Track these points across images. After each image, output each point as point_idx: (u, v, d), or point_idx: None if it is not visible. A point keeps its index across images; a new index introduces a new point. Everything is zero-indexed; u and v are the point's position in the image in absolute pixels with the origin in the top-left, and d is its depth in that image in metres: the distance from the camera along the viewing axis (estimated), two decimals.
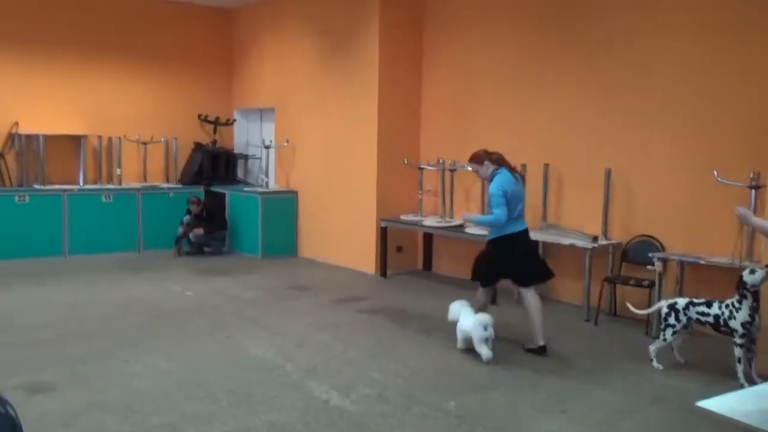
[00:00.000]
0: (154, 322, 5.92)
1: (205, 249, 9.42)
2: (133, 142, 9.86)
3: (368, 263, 8.31)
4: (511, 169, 5.27)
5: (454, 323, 5.25)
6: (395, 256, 8.30)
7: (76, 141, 9.47)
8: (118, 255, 9.06)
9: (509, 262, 5.24)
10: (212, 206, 9.59)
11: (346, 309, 6.56)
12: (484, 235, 6.70)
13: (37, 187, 8.96)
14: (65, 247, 8.90)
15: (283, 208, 9.43)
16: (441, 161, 7.87)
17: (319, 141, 9.08)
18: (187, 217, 9.26)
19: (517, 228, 5.21)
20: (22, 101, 9.04)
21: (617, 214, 6.43)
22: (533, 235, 5.83)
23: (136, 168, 9.96)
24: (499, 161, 5.28)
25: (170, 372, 4.63)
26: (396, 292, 7.33)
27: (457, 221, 7.63)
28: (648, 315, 5.52)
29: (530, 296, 5.20)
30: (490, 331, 4.96)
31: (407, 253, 8.54)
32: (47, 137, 9.16)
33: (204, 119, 10.54)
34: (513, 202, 5.12)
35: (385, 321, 6.12)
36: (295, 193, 9.52)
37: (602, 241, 6.28)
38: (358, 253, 8.47)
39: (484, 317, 5.01)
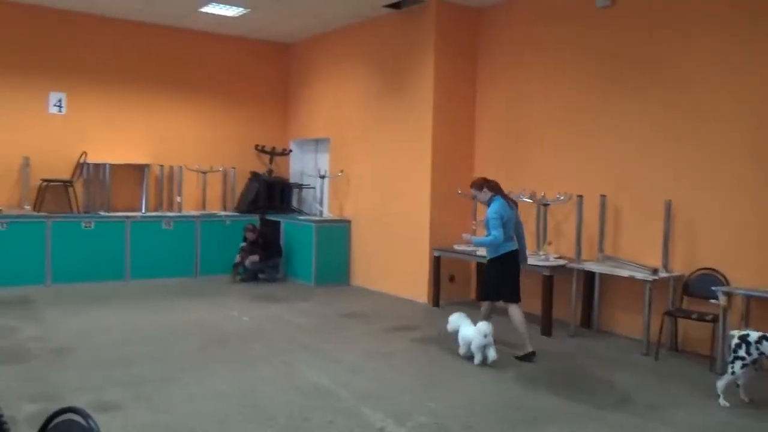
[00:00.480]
0: (213, 345, 6.05)
1: (260, 276, 9.59)
2: (193, 171, 10.18)
3: (420, 292, 8.32)
4: (505, 197, 5.97)
5: (469, 339, 5.70)
6: (448, 285, 8.29)
7: (139, 170, 9.84)
8: (176, 280, 9.30)
9: (506, 277, 5.89)
10: (267, 234, 9.78)
11: (400, 338, 6.57)
12: (540, 266, 6.71)
13: (102, 213, 9.32)
14: (127, 271, 9.19)
15: (337, 236, 9.56)
16: None
17: (372, 171, 9.20)
18: (243, 244, 9.46)
19: (511, 247, 5.89)
20: (90, 132, 9.47)
21: (678, 245, 6.30)
22: (590, 266, 6.20)
23: (196, 196, 10.27)
24: (496, 189, 5.98)
25: (230, 394, 4.71)
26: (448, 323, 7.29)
27: None
28: (714, 352, 5.36)
29: (516, 310, 5.86)
30: (489, 339, 5.53)
31: (460, 283, 8.52)
32: (113, 166, 9.55)
33: (261, 149, 10.82)
34: (507, 225, 5.78)
35: (439, 351, 6.10)
36: (349, 222, 9.64)
37: (662, 274, 6.15)
38: (411, 282, 8.49)
39: (484, 326, 5.57)
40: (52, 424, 1.86)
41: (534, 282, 7.19)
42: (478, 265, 8.34)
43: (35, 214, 8.78)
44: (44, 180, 8.99)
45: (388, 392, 4.87)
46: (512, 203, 5.97)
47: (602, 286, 6.91)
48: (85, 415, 1.78)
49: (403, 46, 8.64)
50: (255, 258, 9.38)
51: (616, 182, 6.83)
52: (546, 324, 6.77)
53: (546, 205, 7.23)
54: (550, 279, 6.76)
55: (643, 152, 6.61)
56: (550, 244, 7.20)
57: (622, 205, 6.80)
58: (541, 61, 7.64)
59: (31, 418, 4.01)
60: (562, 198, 7.12)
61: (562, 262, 6.93)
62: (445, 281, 8.24)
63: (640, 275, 6.15)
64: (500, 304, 6.02)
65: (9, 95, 8.95)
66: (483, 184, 6.00)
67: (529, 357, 5.76)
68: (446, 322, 5.99)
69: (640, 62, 6.63)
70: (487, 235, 5.81)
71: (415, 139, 8.41)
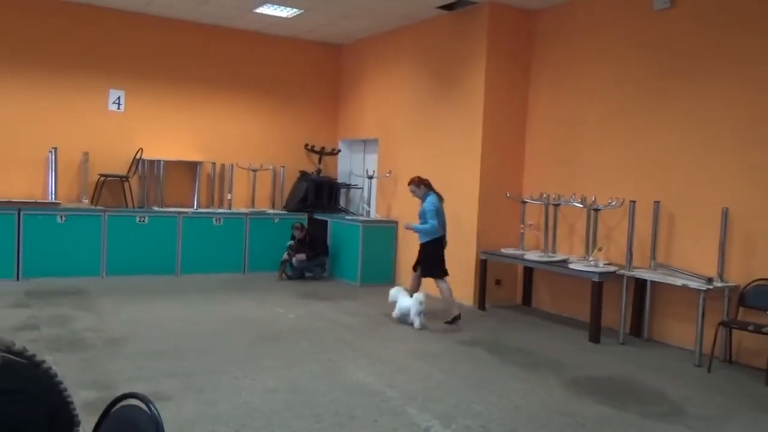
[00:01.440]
0: (260, 341, 6.15)
1: (307, 274, 9.69)
2: (243, 169, 10.36)
3: (467, 295, 8.28)
4: (436, 192, 7.30)
5: (397, 303, 7.16)
6: (494, 289, 8.24)
7: (192, 167, 10.07)
8: (225, 276, 9.47)
9: (438, 258, 7.23)
10: (315, 233, 9.88)
11: (445, 339, 6.56)
12: (589, 272, 6.61)
13: (155, 209, 9.57)
14: (177, 266, 9.40)
15: (383, 237, 9.59)
16: (545, 195, 7.78)
17: (421, 172, 9.11)
18: (291, 243, 9.58)
19: (441, 233, 7.27)
20: (146, 130, 9.74)
21: (734, 255, 6.12)
22: (641, 274, 6.25)
23: (245, 194, 10.45)
24: (429, 186, 7.34)
25: (277, 390, 4.78)
26: (495, 325, 7.26)
27: (560, 257, 7.50)
28: None
29: (444, 284, 7.21)
30: (425, 306, 6.87)
31: (506, 287, 8.45)
32: (167, 163, 9.80)
33: (310, 149, 10.94)
34: (438, 215, 7.17)
35: (484, 353, 6.07)
36: (396, 222, 9.66)
37: (717, 283, 5.98)
38: (457, 284, 8.40)
39: (421, 295, 6.93)
40: (114, 408, 1.92)
41: (583, 288, 7.09)
42: (525, 269, 8.27)
43: (92, 207, 9.07)
44: (102, 175, 9.27)
45: (434, 393, 4.87)
46: (440, 197, 7.31)
47: (653, 294, 6.76)
48: (146, 401, 1.83)
49: (454, 48, 8.62)
50: (302, 256, 9.49)
51: (671, 188, 6.67)
52: (594, 331, 6.66)
53: (597, 210, 7.12)
54: (599, 285, 6.65)
55: (700, 157, 6.44)
56: (600, 250, 7.09)
57: (677, 212, 6.64)
58: (597, 63, 7.52)
59: (87, 405, 4.14)
60: (613, 203, 6.99)
61: (612, 268, 6.81)
62: (491, 284, 8.18)
63: (694, 284, 5.99)
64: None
65: (71, 93, 9.27)
66: (420, 182, 7.36)
67: (455, 320, 7.07)
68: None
69: (699, 63, 6.46)
70: (423, 223, 7.16)
71: (465, 141, 8.38)
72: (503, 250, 8.03)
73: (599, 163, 7.44)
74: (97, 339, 5.91)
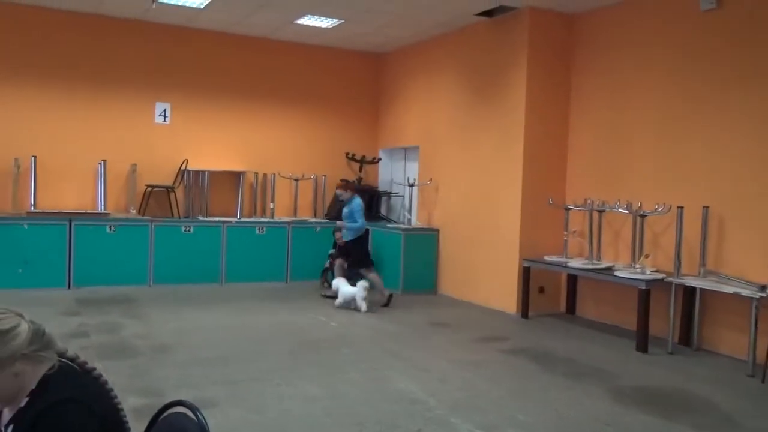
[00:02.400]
0: (302, 349, 6.19)
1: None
2: (285, 178, 10.48)
3: (509, 303, 8.20)
4: (360, 195, 8.56)
5: (341, 293, 8.15)
6: (537, 297, 8.14)
7: (235, 177, 10.23)
8: (268, 284, 9.58)
9: (365, 252, 8.64)
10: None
11: (488, 348, 6.50)
12: (636, 279, 6.49)
13: (200, 218, 9.75)
14: (222, 274, 9.56)
15: (425, 245, 9.57)
16: (588, 202, 7.67)
17: (462, 179, 9.17)
18: (332, 251, 9.62)
19: (364, 231, 8.57)
20: (191, 141, 9.94)
21: None
22: (690, 281, 6.10)
23: (287, 203, 10.56)
24: (354, 189, 8.62)
25: (319, 398, 4.81)
26: (538, 334, 7.17)
27: (605, 264, 7.37)
28: None
29: (373, 273, 8.47)
30: (367, 292, 7.92)
31: (550, 295, 8.34)
32: (211, 173, 9.98)
33: (351, 158, 11.01)
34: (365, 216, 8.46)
35: (528, 363, 5.99)
36: (437, 230, 9.64)
37: None
38: (499, 292, 8.39)
39: (365, 282, 8.00)
40: (163, 415, 1.96)
41: (629, 296, 6.95)
42: (569, 277, 8.15)
43: (140, 218, 9.29)
44: (149, 185, 9.50)
45: (477, 402, 4.83)
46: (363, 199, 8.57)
47: (703, 302, 6.58)
48: (194, 409, 1.87)
49: (494, 54, 8.58)
50: (342, 262, 9.50)
51: (721, 193, 6.49)
52: (641, 340, 6.52)
53: (643, 216, 6.97)
54: (646, 293, 6.51)
55: (750, 161, 6.26)
56: (647, 256, 6.94)
57: (727, 217, 6.46)
58: (641, 66, 7.39)
59: (136, 411, 4.23)
60: (660, 209, 6.84)
61: (659, 275, 6.66)
62: (535, 292, 8.08)
63: (746, 292, 5.81)
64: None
65: (120, 106, 9.53)
66: (347, 186, 8.56)
67: (389, 300, 8.34)
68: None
69: (750, 65, 6.29)
70: (353, 222, 8.32)
71: (506, 148, 8.33)
72: (546, 258, 7.93)
73: (645, 169, 7.30)
74: (145, 346, 6.04)
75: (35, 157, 8.85)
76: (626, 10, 7.58)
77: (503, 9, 8.12)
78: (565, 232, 7.94)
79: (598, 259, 7.54)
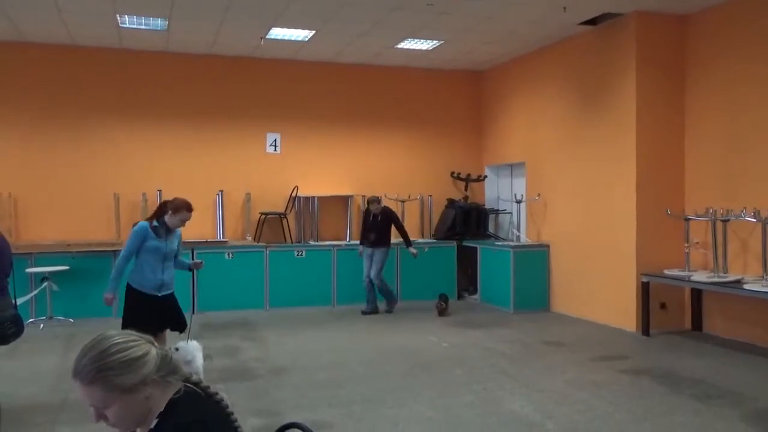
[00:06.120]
0: (415, 370, 6.19)
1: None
2: (392, 200, 10.61)
3: (628, 320, 7.83)
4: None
5: None
6: (658, 313, 7.73)
7: (344, 201, 10.48)
8: (378, 305, 9.66)
9: None
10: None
11: (607, 368, 6.23)
12: (766, 292, 6.03)
13: (312, 243, 10.04)
14: (333, 297, 9.77)
15: (535, 261, 9.36)
16: (711, 211, 7.22)
17: (571, 193, 8.91)
18: None
19: None
20: (301, 169, 10.31)
21: None
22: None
23: None
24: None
25: (433, 420, 4.78)
26: (661, 353, 6.79)
27: (733, 276, 6.89)
28: None
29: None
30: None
31: (672, 311, 7.89)
32: (320, 198, 10.28)
33: (456, 176, 10.99)
34: None
35: (651, 383, 5.68)
36: (548, 246, 9.40)
37: None
38: (616, 309, 8.04)
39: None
40: None
41: (762, 310, 6.47)
42: (693, 291, 7.69)
43: (255, 244, 9.70)
44: (262, 213, 9.91)
45: (596, 426, 4.63)
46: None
47: None
48: (307, 431, 1.92)
49: (601, 63, 8.32)
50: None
51: None
52: None
53: None
54: None
55: None
56: None
57: None
58: (761, 64, 6.91)
59: (255, 431, 4.39)
60: None
61: None
62: (655, 308, 7.68)
63: None
64: None
65: (233, 138, 10.06)
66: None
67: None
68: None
69: None
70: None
71: (617, 158, 8.02)
72: (666, 272, 7.53)
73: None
74: (263, 369, 6.26)
75: (160, 191, 9.47)
76: (741, 7, 7.14)
77: (608, 15, 7.88)
78: (686, 244, 7.50)
79: (725, 272, 7.07)
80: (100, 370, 1.59)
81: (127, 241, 5.26)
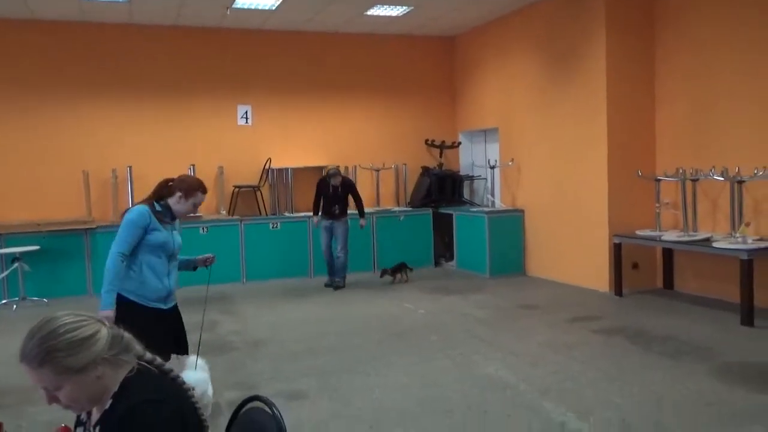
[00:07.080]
0: (391, 338, 6.23)
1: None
2: (366, 169, 10.56)
3: (601, 281, 7.94)
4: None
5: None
6: (630, 273, 7.83)
7: (318, 172, 10.38)
8: (355, 275, 9.61)
9: None
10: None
11: (581, 329, 6.32)
12: (737, 249, 6.13)
13: (287, 214, 9.99)
14: (311, 268, 9.77)
15: (510, 226, 9.41)
16: (681, 171, 7.29)
17: (544, 158, 8.93)
18: None
19: None
20: (274, 141, 10.20)
21: None
22: None
23: (370, 193, 10.62)
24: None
25: (408, 386, 4.83)
26: (634, 312, 6.90)
27: (702, 235, 6.99)
28: None
29: None
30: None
31: (644, 271, 8.01)
32: (294, 170, 10.20)
33: (431, 144, 10.95)
34: None
35: (624, 342, 5.78)
36: (522, 211, 9.45)
37: None
38: (590, 270, 8.13)
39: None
40: (242, 410, 2.02)
41: (731, 267, 6.58)
42: (664, 251, 7.80)
43: (230, 218, 9.63)
44: (236, 186, 9.82)
45: (570, 386, 4.71)
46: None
47: None
48: (269, 404, 1.91)
49: (571, 26, 8.28)
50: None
51: None
52: (746, 313, 6.15)
53: (741, 182, 6.56)
54: (749, 263, 6.13)
55: None
56: (748, 225, 6.52)
57: None
58: (731, 25, 6.92)
59: (232, 404, 4.39)
60: (760, 174, 6.41)
61: (762, 244, 6.26)
62: (628, 268, 7.78)
63: None
64: None
65: (204, 111, 9.90)
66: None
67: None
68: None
69: None
70: None
71: (589, 121, 8.03)
72: (638, 232, 7.62)
73: (740, 133, 6.85)
74: (240, 342, 6.27)
75: (130, 167, 9.33)
76: None
77: None
78: (657, 204, 7.58)
79: (695, 231, 7.16)
80: (48, 351, 1.56)
81: (119, 233, 3.68)
